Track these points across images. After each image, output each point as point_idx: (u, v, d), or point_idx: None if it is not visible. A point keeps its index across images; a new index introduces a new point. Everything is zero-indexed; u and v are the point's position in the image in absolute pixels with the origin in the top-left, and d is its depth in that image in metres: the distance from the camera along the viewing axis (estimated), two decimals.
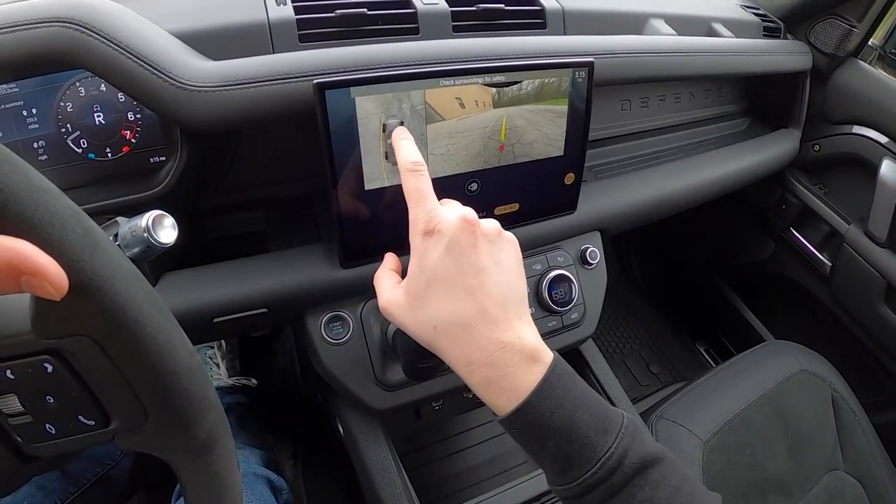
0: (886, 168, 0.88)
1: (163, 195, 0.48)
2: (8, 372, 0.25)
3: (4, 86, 0.45)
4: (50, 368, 0.25)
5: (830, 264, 0.99)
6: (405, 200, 0.41)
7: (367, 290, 0.51)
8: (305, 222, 0.60)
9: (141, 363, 0.25)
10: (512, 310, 0.39)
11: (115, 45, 0.40)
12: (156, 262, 0.47)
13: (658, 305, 1.43)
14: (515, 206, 0.58)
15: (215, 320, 0.50)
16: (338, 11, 0.51)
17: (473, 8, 0.57)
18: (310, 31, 0.51)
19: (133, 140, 0.49)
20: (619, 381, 0.75)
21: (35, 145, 0.47)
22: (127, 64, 0.40)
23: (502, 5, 0.58)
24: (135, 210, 0.43)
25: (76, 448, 0.28)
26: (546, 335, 0.63)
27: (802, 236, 1.04)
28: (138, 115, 0.49)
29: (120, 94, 0.48)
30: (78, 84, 0.47)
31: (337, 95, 0.44)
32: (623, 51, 0.62)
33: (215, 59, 0.45)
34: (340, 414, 0.62)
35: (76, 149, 0.48)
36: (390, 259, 0.46)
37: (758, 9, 0.91)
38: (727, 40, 0.78)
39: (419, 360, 0.46)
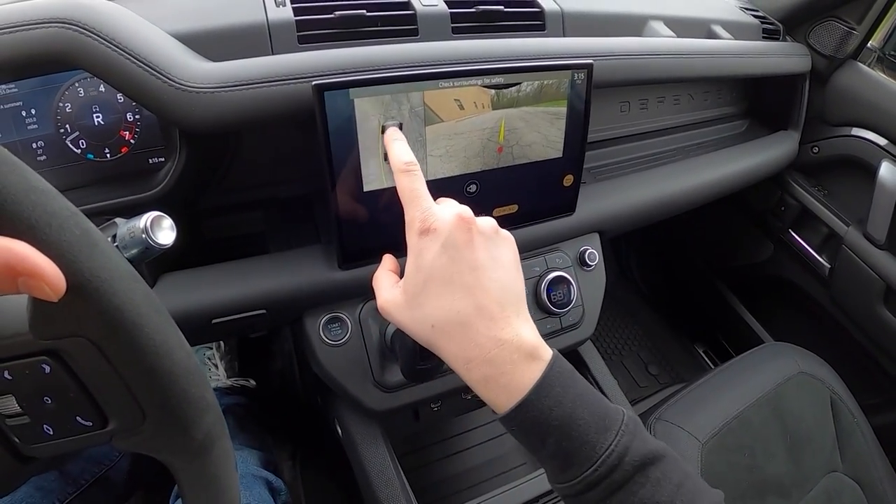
0: (885, 170, 0.88)
1: (161, 196, 0.48)
2: (6, 373, 0.25)
3: (3, 86, 0.45)
4: (48, 369, 0.25)
5: (829, 266, 0.99)
6: None
7: (365, 292, 0.51)
8: (304, 223, 0.60)
9: (139, 364, 0.25)
10: (510, 307, 0.39)
11: (115, 45, 0.40)
12: (154, 262, 0.47)
13: (657, 307, 1.43)
14: (514, 208, 0.58)
15: (214, 321, 0.50)
16: (337, 13, 0.51)
17: (473, 9, 0.57)
18: (309, 32, 0.51)
19: (132, 141, 0.49)
20: (617, 382, 0.75)
21: (34, 146, 0.47)
22: (126, 65, 0.40)
23: (501, 7, 0.58)
24: (133, 211, 0.43)
25: (74, 449, 0.28)
26: (545, 337, 0.62)
27: (801, 238, 1.04)
28: (137, 116, 0.49)
29: (119, 95, 0.48)
30: (77, 85, 0.47)
31: (336, 97, 0.44)
32: (622, 53, 0.62)
33: (214, 61, 0.46)
34: (339, 415, 0.62)
35: (75, 149, 0.48)
36: (388, 260, 0.46)
37: (757, 11, 0.92)
38: (726, 42, 0.78)
39: (418, 361, 0.46)
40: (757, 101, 1.00)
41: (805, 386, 0.81)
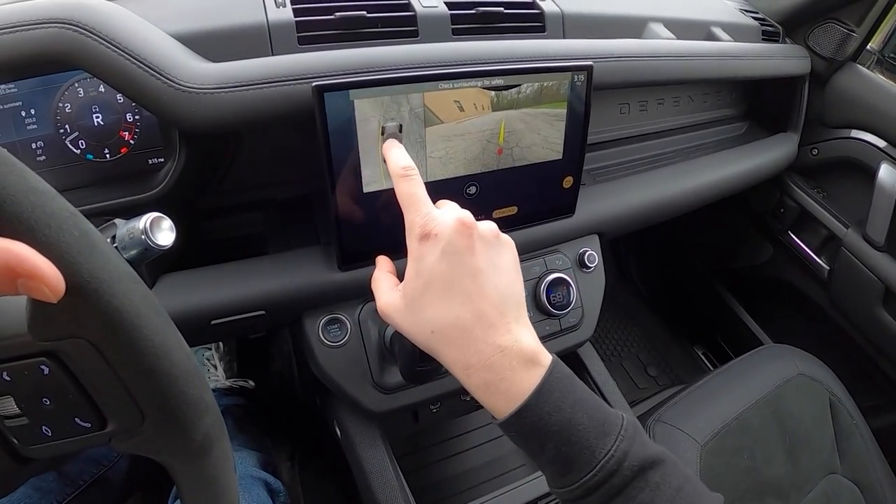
0: (884, 172, 0.88)
1: (161, 197, 0.48)
2: (4, 374, 0.25)
3: (3, 86, 0.45)
4: (46, 370, 0.25)
5: (828, 268, 0.99)
6: None
7: (365, 293, 0.51)
8: (304, 224, 0.60)
9: (137, 365, 0.25)
10: (510, 313, 0.39)
11: (114, 46, 0.40)
12: (153, 263, 0.47)
13: (656, 309, 1.43)
14: (514, 210, 0.58)
15: (213, 322, 0.50)
16: (337, 14, 0.51)
17: (473, 11, 0.57)
18: (309, 33, 0.51)
19: (132, 141, 0.49)
20: (617, 384, 0.75)
21: (33, 146, 0.47)
22: (126, 65, 0.40)
23: (501, 8, 0.58)
24: (133, 211, 0.43)
25: (73, 450, 0.28)
26: (544, 338, 0.63)
27: (800, 240, 1.04)
28: (137, 117, 0.49)
29: (119, 96, 0.48)
30: (77, 85, 0.47)
31: (336, 98, 0.44)
32: (622, 54, 0.62)
33: (214, 61, 0.46)
34: (338, 416, 0.62)
35: (74, 150, 0.48)
36: (384, 262, 0.46)
37: (756, 13, 0.92)
38: (726, 44, 0.78)
39: (417, 362, 0.46)
40: (756, 103, 1.00)
41: (804, 388, 0.81)
